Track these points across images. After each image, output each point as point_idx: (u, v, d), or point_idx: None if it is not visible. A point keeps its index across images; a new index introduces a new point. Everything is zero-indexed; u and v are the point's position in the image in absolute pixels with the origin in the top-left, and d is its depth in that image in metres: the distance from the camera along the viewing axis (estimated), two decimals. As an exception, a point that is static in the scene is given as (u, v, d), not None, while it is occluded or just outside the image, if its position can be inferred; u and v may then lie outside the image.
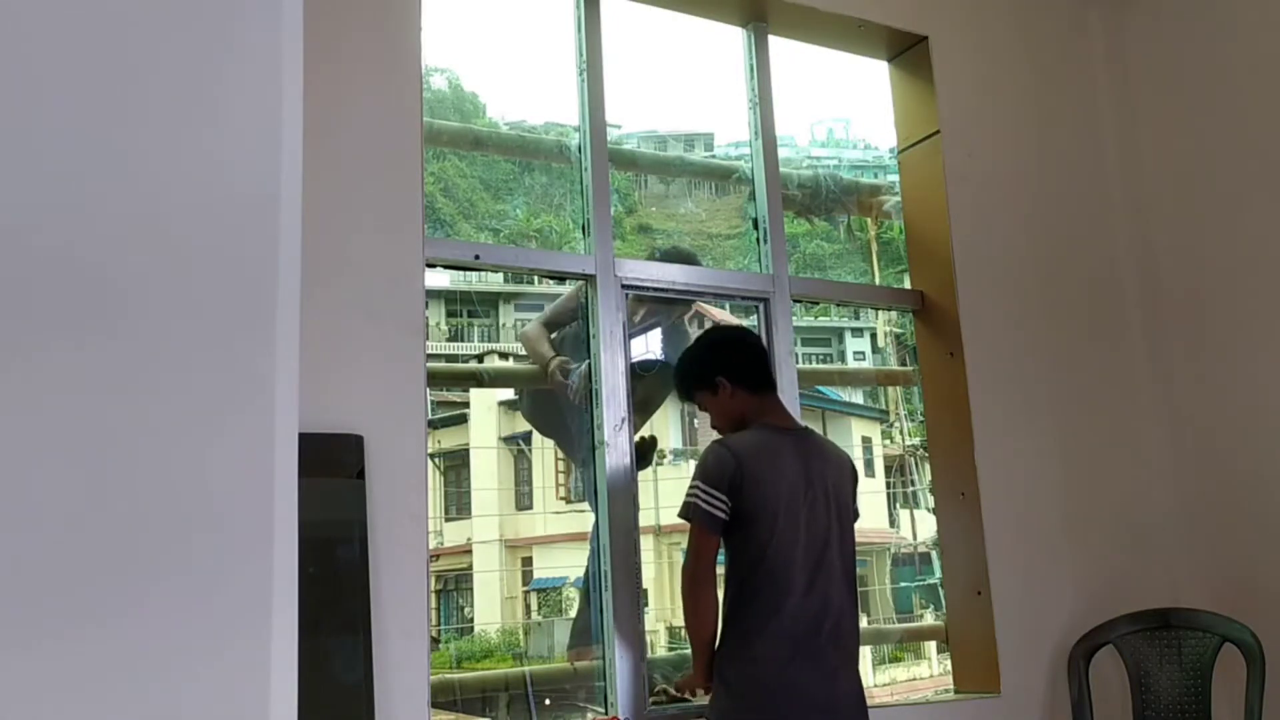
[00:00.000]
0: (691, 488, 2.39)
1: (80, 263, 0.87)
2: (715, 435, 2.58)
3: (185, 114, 0.93)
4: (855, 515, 2.55)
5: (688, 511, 2.38)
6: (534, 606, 3.70)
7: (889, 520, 4.10)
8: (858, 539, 2.57)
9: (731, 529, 2.36)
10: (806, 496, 2.38)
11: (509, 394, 3.63)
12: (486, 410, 3.79)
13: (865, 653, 3.70)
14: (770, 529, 2.33)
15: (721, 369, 2.53)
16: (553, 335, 3.10)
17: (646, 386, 3.11)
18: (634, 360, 3.00)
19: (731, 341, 2.66)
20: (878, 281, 3.89)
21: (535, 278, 3.49)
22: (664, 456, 3.30)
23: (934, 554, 3.53)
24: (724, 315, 3.46)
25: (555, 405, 3.10)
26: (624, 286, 2.95)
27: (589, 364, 2.92)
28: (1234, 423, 3.41)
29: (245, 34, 0.97)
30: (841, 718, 2.35)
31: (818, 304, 3.67)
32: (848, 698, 2.38)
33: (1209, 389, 3.49)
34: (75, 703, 0.81)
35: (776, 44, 3.42)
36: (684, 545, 2.46)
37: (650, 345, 3.26)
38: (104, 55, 0.91)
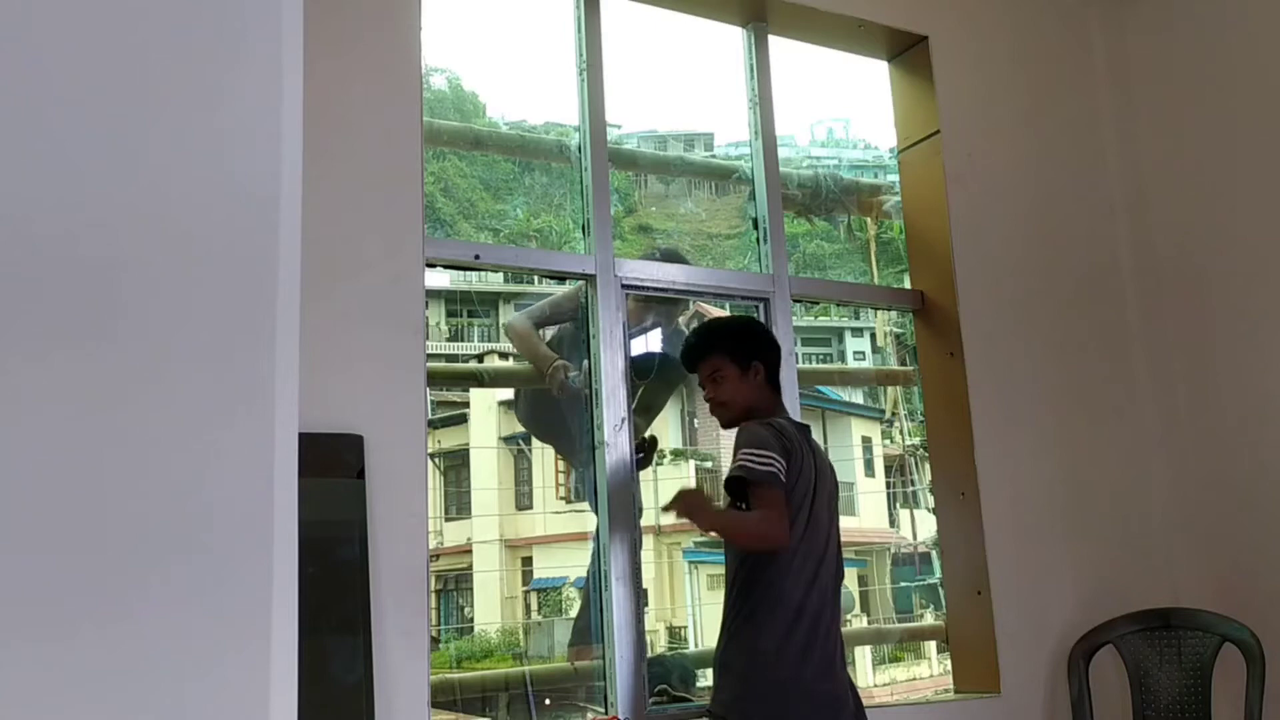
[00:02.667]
0: (749, 454, 2.29)
1: (80, 263, 0.87)
2: (716, 429, 2.58)
3: (185, 114, 0.93)
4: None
5: (754, 474, 2.27)
6: (534, 606, 3.70)
7: (889, 520, 4.10)
8: (857, 538, 2.58)
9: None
10: (818, 491, 2.40)
11: (509, 394, 3.63)
12: (486, 410, 3.79)
13: (865, 653, 3.70)
14: (801, 517, 2.34)
15: (763, 355, 2.55)
16: (544, 333, 3.09)
17: (650, 391, 3.12)
18: (633, 357, 3.00)
19: (773, 339, 2.67)
20: (876, 281, 3.88)
21: (535, 278, 3.49)
22: (664, 457, 3.30)
23: (934, 554, 3.53)
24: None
25: (552, 409, 3.10)
26: (624, 286, 2.95)
27: (588, 364, 2.92)
28: (1234, 423, 3.41)
29: (245, 34, 0.97)
30: (847, 714, 2.35)
31: (818, 304, 3.67)
32: (850, 692, 2.39)
33: (1208, 389, 3.49)
34: (76, 703, 0.81)
35: (776, 44, 3.42)
36: (684, 545, 2.46)
37: (650, 345, 3.26)
38: (103, 57, 0.91)
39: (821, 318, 4.28)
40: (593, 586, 2.87)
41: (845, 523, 2.57)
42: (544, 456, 3.67)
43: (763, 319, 3.16)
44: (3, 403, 0.82)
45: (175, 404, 0.88)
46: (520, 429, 3.64)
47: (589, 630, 2.88)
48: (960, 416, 3.29)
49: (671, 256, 3.29)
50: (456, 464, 3.89)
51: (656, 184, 3.83)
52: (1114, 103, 3.82)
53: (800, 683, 2.28)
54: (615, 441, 2.82)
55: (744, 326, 2.73)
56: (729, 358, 2.53)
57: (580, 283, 2.98)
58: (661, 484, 3.28)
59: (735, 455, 2.34)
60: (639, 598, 2.76)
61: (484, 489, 3.81)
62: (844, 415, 4.42)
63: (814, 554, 2.36)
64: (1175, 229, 3.62)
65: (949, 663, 3.34)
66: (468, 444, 3.81)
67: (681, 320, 3.36)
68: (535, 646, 3.44)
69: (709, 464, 3.72)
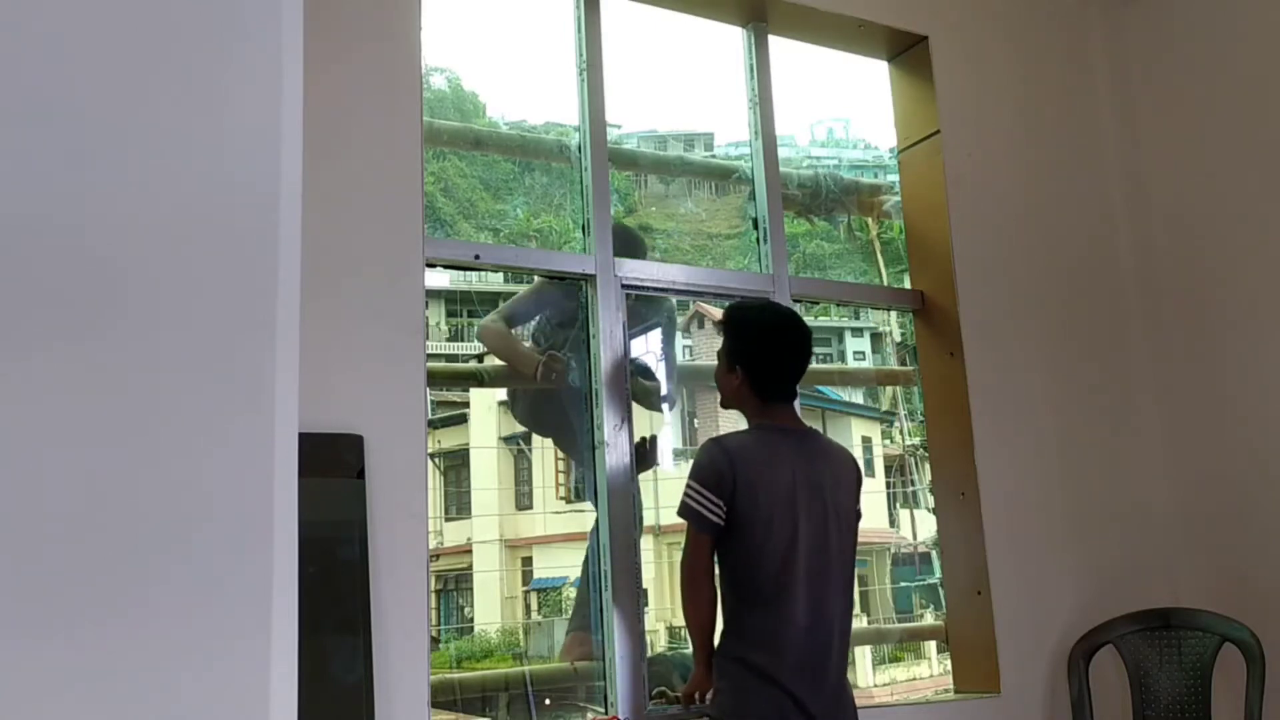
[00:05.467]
0: (686, 487, 2.39)
1: (81, 263, 0.87)
2: (715, 429, 2.58)
3: (185, 114, 0.93)
4: (858, 515, 2.53)
5: (683, 510, 2.39)
6: (534, 606, 3.70)
7: (889, 520, 4.10)
8: (859, 538, 2.56)
9: (725, 531, 2.36)
10: (804, 500, 2.36)
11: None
12: (486, 410, 3.79)
13: (865, 653, 3.70)
14: (765, 532, 2.32)
15: (744, 360, 2.47)
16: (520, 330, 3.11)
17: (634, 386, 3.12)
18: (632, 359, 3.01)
19: (776, 348, 2.49)
20: (885, 282, 3.87)
21: (535, 278, 3.49)
22: (658, 467, 3.28)
23: (934, 554, 3.53)
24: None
25: (549, 404, 3.10)
26: (624, 286, 2.95)
27: (589, 364, 2.92)
28: (1234, 422, 3.41)
29: (245, 34, 0.97)
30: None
31: (818, 304, 3.67)
32: (841, 703, 2.37)
33: (1208, 389, 3.49)
34: (74, 703, 0.81)
35: (776, 44, 3.42)
36: (683, 543, 2.47)
37: (650, 345, 3.26)
38: (103, 57, 0.91)
39: (821, 318, 4.28)
40: (590, 585, 2.87)
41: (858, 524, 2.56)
42: (544, 456, 3.67)
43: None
44: (3, 402, 0.82)
45: (175, 404, 0.88)
46: (520, 429, 3.64)
47: (587, 622, 2.89)
48: (960, 416, 3.29)
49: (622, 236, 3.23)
50: (456, 464, 3.89)
51: (656, 184, 3.83)
52: (1114, 102, 3.82)
53: (791, 695, 2.27)
54: (615, 441, 2.82)
55: (737, 325, 2.53)
56: (724, 347, 2.53)
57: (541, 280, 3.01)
58: (661, 484, 3.28)
59: None
60: (639, 597, 2.76)
61: (484, 489, 3.81)
62: (844, 415, 4.42)
63: (804, 564, 2.33)
64: (1176, 228, 3.62)
65: (949, 663, 3.34)
66: (468, 444, 3.81)
67: (685, 321, 3.36)
68: (535, 646, 3.44)
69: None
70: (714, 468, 2.36)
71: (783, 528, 2.33)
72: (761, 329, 2.52)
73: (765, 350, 2.48)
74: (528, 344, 3.13)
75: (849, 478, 2.49)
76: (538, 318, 3.10)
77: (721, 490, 2.34)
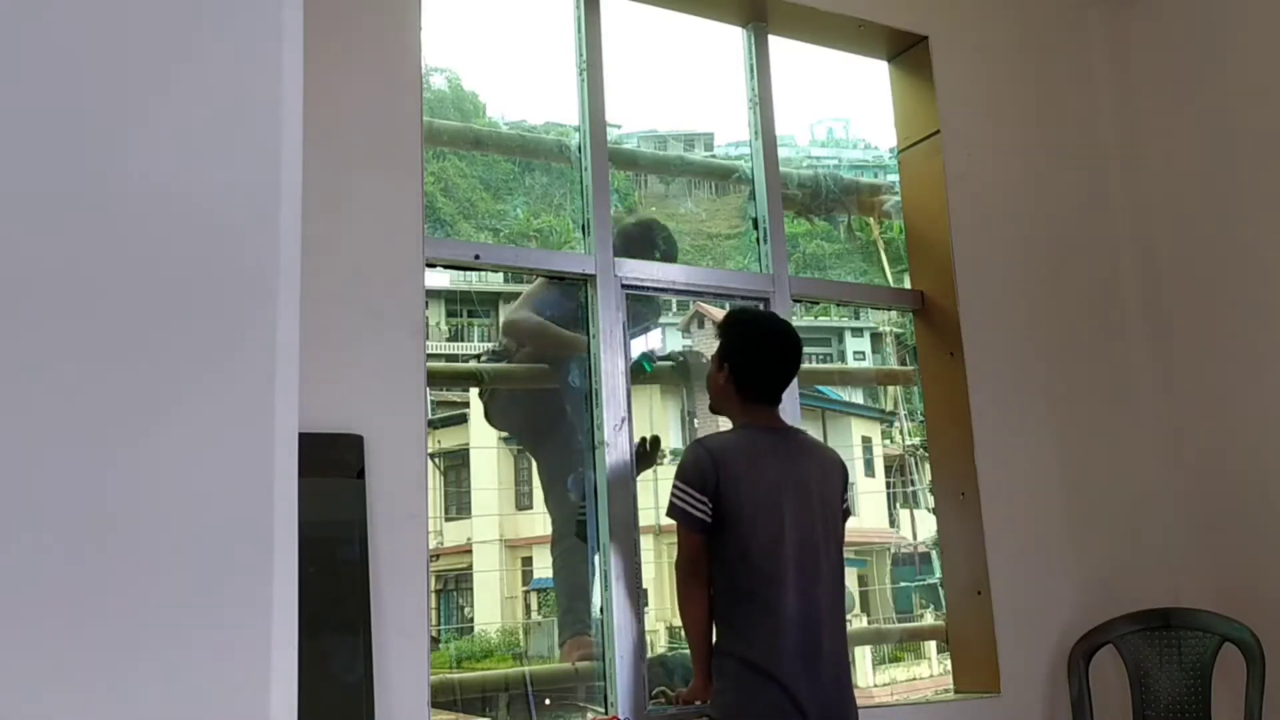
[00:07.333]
0: (673, 487, 2.44)
1: (80, 263, 0.87)
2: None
3: (185, 114, 0.93)
4: (846, 513, 2.55)
5: (671, 511, 2.43)
6: (534, 606, 3.70)
7: (889, 520, 4.10)
8: (856, 538, 2.57)
9: (714, 529, 2.39)
10: (789, 495, 2.39)
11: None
12: (486, 410, 3.78)
13: (865, 653, 3.70)
14: (752, 529, 2.35)
15: (732, 357, 2.52)
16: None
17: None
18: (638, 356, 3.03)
19: (764, 349, 2.55)
20: (889, 282, 3.87)
21: (535, 278, 3.49)
22: (664, 457, 3.29)
23: (934, 554, 3.53)
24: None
25: (526, 405, 3.12)
26: (624, 286, 2.95)
27: (589, 364, 2.92)
28: (1234, 423, 3.41)
29: (245, 34, 0.97)
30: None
31: (818, 304, 3.67)
32: (839, 698, 2.37)
33: (1209, 388, 3.49)
34: (75, 702, 0.81)
35: (776, 44, 3.42)
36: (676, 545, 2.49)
37: (650, 345, 3.26)
38: (103, 58, 0.91)
39: (821, 318, 4.28)
40: (584, 586, 2.87)
41: (846, 522, 2.57)
42: (544, 456, 3.67)
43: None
44: (3, 403, 0.82)
45: (176, 404, 0.88)
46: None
47: (583, 625, 2.88)
48: (960, 416, 3.29)
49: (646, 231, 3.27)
50: (456, 464, 3.89)
51: (656, 184, 3.83)
52: (1115, 102, 3.82)
53: (786, 690, 2.27)
54: (615, 441, 2.82)
55: (731, 326, 2.61)
56: (717, 348, 2.59)
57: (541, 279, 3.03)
58: (662, 484, 3.28)
59: None
60: (639, 598, 2.76)
61: (484, 489, 3.80)
62: (844, 415, 4.42)
63: (794, 560, 2.35)
64: (1177, 228, 3.62)
65: (949, 663, 3.34)
66: (468, 444, 3.80)
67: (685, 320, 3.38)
68: (535, 646, 3.43)
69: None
70: (697, 466, 2.41)
71: (769, 522, 2.36)
72: (751, 328, 2.62)
73: (752, 349, 2.55)
74: None
75: (834, 474, 2.53)
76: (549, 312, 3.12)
77: (705, 487, 2.37)
